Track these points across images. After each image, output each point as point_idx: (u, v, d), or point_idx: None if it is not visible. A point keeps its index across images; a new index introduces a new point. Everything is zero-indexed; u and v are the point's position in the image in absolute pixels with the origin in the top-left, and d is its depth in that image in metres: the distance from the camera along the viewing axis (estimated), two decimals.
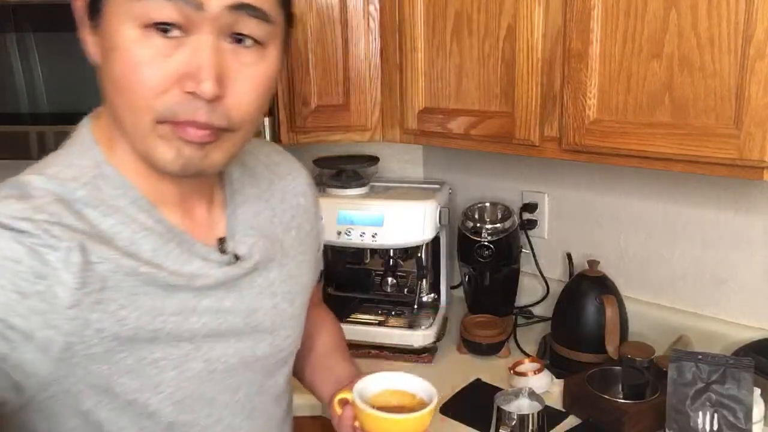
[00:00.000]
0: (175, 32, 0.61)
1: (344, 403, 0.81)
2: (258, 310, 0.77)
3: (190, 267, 0.70)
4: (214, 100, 0.62)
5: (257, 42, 0.65)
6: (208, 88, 0.60)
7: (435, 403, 0.77)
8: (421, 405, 0.78)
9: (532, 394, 1.06)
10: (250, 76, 0.65)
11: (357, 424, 0.79)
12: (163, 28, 0.60)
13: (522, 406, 1.04)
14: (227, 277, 0.73)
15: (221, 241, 0.76)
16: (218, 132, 0.64)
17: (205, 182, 0.75)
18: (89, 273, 0.62)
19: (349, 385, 0.82)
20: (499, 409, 1.04)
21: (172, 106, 0.62)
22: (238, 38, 0.63)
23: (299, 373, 0.98)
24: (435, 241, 1.52)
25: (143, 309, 0.66)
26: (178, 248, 0.70)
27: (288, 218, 0.85)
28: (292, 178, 0.90)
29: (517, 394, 1.06)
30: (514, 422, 1.02)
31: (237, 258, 0.75)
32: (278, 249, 0.81)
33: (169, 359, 0.68)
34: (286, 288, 0.82)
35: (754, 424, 0.96)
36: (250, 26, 0.63)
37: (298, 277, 0.84)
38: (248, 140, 0.70)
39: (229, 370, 0.75)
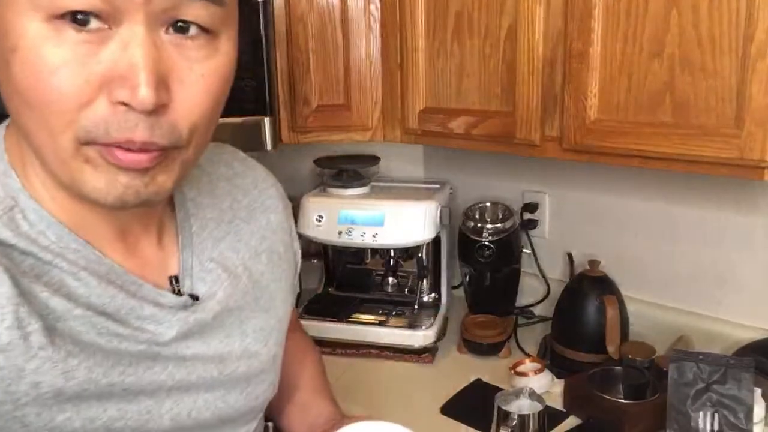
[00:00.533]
0: (97, 23, 0.46)
1: None
2: (227, 356, 0.66)
3: (138, 315, 0.58)
4: (156, 111, 0.48)
5: (205, 30, 0.51)
6: (145, 96, 0.46)
7: None
8: None
9: (533, 394, 1.05)
10: (201, 76, 0.51)
11: None
12: (80, 19, 0.46)
13: (522, 406, 1.04)
14: (185, 324, 0.61)
15: (174, 280, 0.63)
16: (163, 152, 0.50)
17: (151, 210, 0.62)
18: (24, 309, 0.50)
19: None
20: (499, 409, 1.04)
21: (98, 123, 0.47)
22: (181, 27, 0.49)
23: (274, 412, 0.86)
24: (436, 241, 1.52)
25: (95, 359, 0.54)
26: (123, 293, 0.57)
27: (256, 241, 0.72)
28: (259, 192, 0.76)
29: (517, 394, 1.06)
30: (515, 422, 1.01)
31: (195, 299, 0.63)
32: (246, 280, 0.69)
33: (126, 418, 0.56)
34: (258, 325, 0.69)
35: (755, 425, 0.96)
36: (194, 10, 0.49)
37: (271, 310, 0.72)
38: (202, 153, 0.56)
39: (201, 427, 0.64)
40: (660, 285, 1.42)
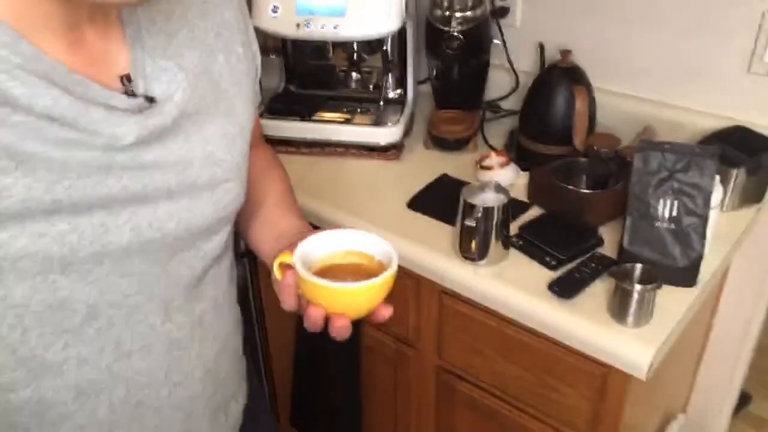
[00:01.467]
0: None
1: (285, 267, 0.66)
2: (190, 163, 0.62)
3: (89, 119, 0.52)
4: None
5: None
6: None
7: (394, 269, 0.63)
8: (380, 269, 0.65)
9: (498, 188, 1.06)
10: None
11: (300, 292, 0.66)
12: None
13: (487, 199, 1.05)
14: (144, 129, 0.56)
15: (126, 79, 0.57)
16: None
17: None
18: None
19: (291, 246, 0.67)
20: (465, 202, 1.05)
21: None
22: None
23: (242, 229, 0.83)
24: (401, 33, 1.42)
25: (36, 175, 0.50)
26: (68, 95, 0.51)
27: (212, 40, 0.66)
28: None
29: (483, 187, 1.06)
30: (480, 214, 1.03)
31: (151, 101, 0.58)
32: (205, 83, 0.64)
33: (79, 231, 0.53)
34: (220, 131, 0.65)
35: (711, 210, 0.99)
36: None
37: (232, 116, 0.67)
38: None
39: (165, 239, 0.61)
40: (631, 75, 1.39)
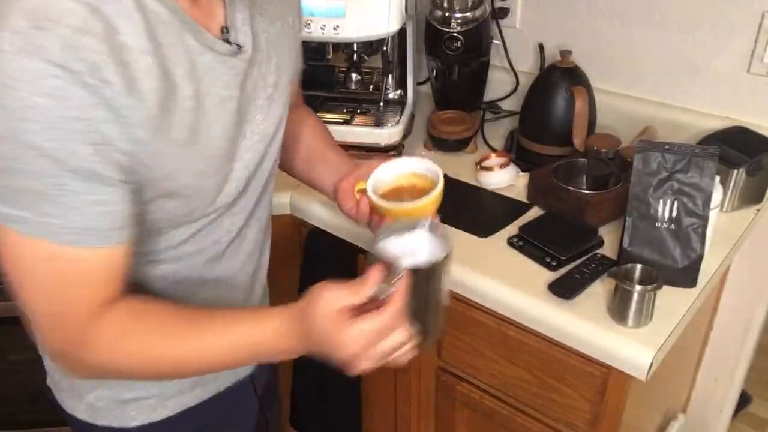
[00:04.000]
0: None
1: (361, 193, 0.86)
2: (254, 100, 0.76)
3: (204, 59, 0.66)
4: None
5: None
6: None
7: (441, 183, 0.82)
8: (432, 184, 0.83)
9: (434, 227, 0.69)
10: None
11: (372, 210, 0.85)
12: None
13: (416, 250, 0.67)
14: (235, 70, 0.71)
15: (224, 30, 0.70)
16: None
17: None
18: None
19: (351, 175, 0.88)
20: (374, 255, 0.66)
21: None
22: None
23: (289, 165, 1.00)
24: (401, 34, 1.42)
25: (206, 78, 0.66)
26: (194, 40, 0.65)
27: (274, 9, 0.79)
28: None
29: (411, 227, 0.69)
30: (398, 277, 0.62)
31: (240, 48, 0.72)
32: (268, 39, 0.78)
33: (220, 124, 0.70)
34: (273, 80, 0.79)
35: (711, 210, 0.99)
36: None
37: (283, 69, 0.81)
38: None
39: (255, 143, 0.77)
40: (631, 75, 1.39)
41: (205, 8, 0.68)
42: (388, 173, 0.87)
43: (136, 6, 0.59)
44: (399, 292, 0.63)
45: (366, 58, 1.52)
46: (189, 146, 0.66)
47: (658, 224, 1.00)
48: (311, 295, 0.64)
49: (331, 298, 0.63)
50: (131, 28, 0.58)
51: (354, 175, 0.89)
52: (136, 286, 0.73)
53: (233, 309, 0.75)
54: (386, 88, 1.51)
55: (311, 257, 1.38)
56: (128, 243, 0.64)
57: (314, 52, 1.51)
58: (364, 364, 0.64)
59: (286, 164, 0.99)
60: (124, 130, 0.59)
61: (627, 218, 1.02)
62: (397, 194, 0.85)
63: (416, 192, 0.84)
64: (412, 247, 0.69)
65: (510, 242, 1.12)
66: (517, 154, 1.37)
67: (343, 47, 1.49)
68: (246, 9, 0.73)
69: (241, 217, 0.81)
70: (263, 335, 0.67)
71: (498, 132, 1.50)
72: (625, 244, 1.02)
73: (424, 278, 0.65)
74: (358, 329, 0.62)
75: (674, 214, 0.99)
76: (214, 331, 0.67)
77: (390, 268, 0.63)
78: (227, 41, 0.70)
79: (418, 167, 0.87)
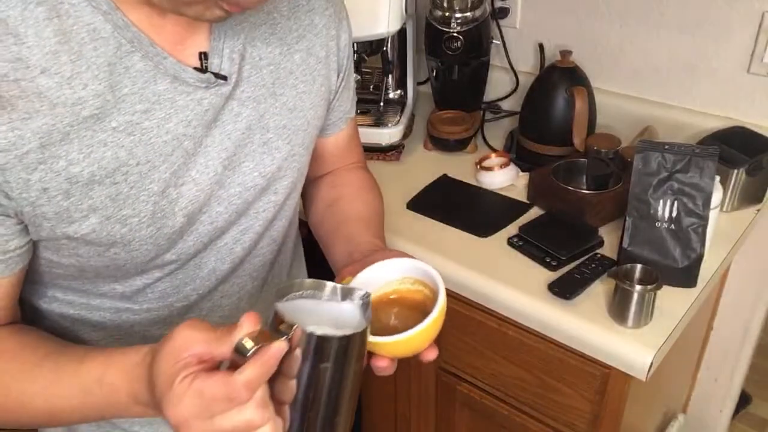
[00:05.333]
0: None
1: None
2: (245, 145, 0.66)
3: (157, 87, 0.57)
4: None
5: None
6: None
7: (442, 303, 0.60)
8: (431, 301, 0.62)
9: (363, 300, 0.58)
10: None
11: None
12: None
13: (334, 317, 0.56)
14: (202, 105, 0.61)
15: (203, 56, 0.61)
16: None
17: None
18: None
19: (361, 263, 0.67)
20: (276, 315, 0.51)
21: None
22: None
23: (316, 227, 0.87)
24: (401, 34, 1.43)
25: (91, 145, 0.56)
26: (144, 63, 0.56)
27: (293, 38, 0.70)
28: None
29: (346, 294, 0.57)
30: (311, 345, 0.51)
31: (221, 78, 0.62)
32: (275, 73, 0.68)
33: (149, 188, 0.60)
34: (281, 122, 0.69)
35: (711, 210, 0.99)
36: None
37: (297, 110, 0.71)
38: None
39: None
40: (631, 75, 1.39)
41: (173, 30, 0.59)
42: (378, 276, 0.66)
43: (48, 15, 0.52)
44: (271, 355, 0.47)
45: (366, 58, 1.52)
46: (98, 186, 0.57)
47: (658, 224, 1.00)
48: (172, 331, 0.50)
49: (188, 338, 0.49)
50: (37, 40, 0.51)
51: (347, 269, 0.69)
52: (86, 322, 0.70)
53: (93, 348, 0.61)
54: (386, 88, 1.51)
55: (311, 257, 1.38)
56: (13, 276, 0.59)
57: None
58: None
59: (310, 221, 0.89)
60: None
61: (627, 218, 1.02)
62: (385, 306, 0.66)
63: (407, 308, 0.65)
64: (331, 314, 0.55)
65: (510, 242, 1.12)
66: (517, 154, 1.37)
67: None
68: (239, 36, 0.64)
69: (222, 268, 0.73)
70: (107, 375, 0.55)
71: (498, 132, 1.50)
72: (625, 244, 1.02)
73: (327, 352, 0.51)
74: (195, 389, 0.46)
75: (674, 214, 0.99)
76: (58, 373, 0.57)
77: (283, 326, 0.49)
78: (201, 69, 0.60)
79: (416, 273, 0.66)
